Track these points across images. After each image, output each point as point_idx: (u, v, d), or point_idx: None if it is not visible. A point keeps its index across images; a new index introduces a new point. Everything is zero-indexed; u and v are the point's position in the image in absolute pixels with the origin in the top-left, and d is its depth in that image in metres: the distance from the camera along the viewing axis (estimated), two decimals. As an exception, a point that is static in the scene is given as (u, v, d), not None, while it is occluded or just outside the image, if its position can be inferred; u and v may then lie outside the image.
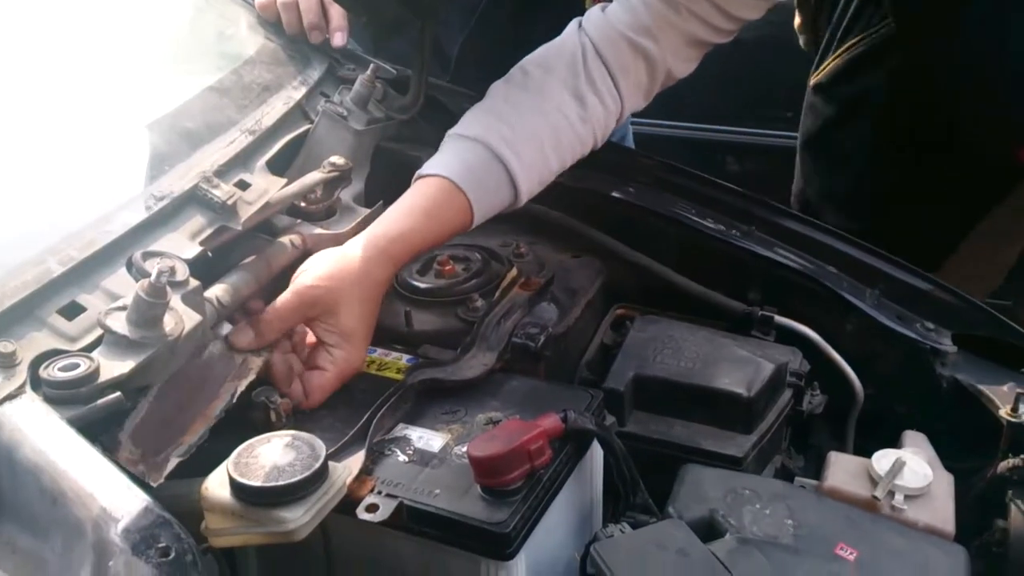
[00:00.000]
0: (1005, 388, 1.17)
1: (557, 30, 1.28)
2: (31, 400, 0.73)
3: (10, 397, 0.72)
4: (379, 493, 0.89)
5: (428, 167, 1.16)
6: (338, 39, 1.43)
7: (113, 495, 0.63)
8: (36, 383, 0.76)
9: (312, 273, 1.03)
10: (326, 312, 1.02)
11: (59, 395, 0.75)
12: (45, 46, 1.13)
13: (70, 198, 0.94)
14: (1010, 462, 1.10)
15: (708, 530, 0.92)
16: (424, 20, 1.32)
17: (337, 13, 1.43)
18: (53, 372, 0.76)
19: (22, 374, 0.75)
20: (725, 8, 1.25)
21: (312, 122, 1.30)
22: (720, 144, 2.81)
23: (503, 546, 0.86)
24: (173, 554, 0.59)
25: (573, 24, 1.27)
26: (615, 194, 1.38)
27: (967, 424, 1.19)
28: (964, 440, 1.17)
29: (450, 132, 1.20)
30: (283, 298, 1.01)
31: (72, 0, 1.25)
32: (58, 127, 1.03)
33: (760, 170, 2.72)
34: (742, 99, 2.71)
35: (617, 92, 1.25)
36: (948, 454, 1.12)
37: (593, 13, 1.27)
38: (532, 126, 1.19)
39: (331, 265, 1.04)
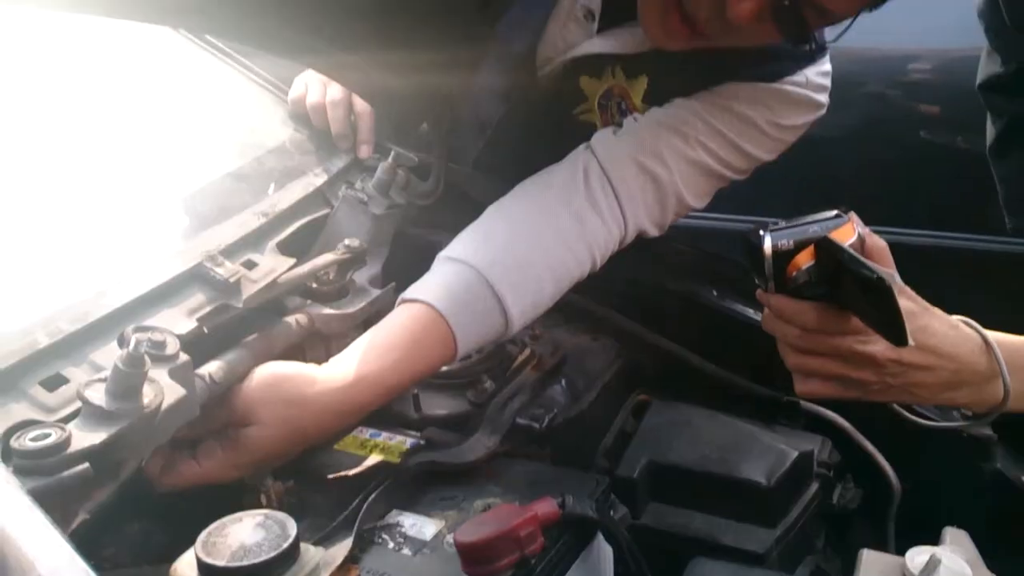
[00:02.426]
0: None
1: (570, 149, 1.28)
2: (-5, 469, 0.72)
3: (-26, 466, 0.71)
4: (363, 581, 0.86)
5: (411, 291, 1.12)
6: (364, 151, 1.42)
7: (54, 561, 0.61)
8: (7, 453, 0.75)
9: (262, 380, 0.99)
10: (241, 420, 0.97)
11: (27, 465, 0.74)
12: (71, 122, 1.16)
13: (71, 273, 0.95)
14: (1062, 562, 1.03)
15: (712, 626, 0.86)
16: (441, 110, 1.33)
17: (365, 125, 1.42)
18: (23, 442, 0.75)
19: (-8, 444, 0.75)
20: (738, 143, 1.26)
21: (332, 207, 1.31)
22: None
23: (487, 641, 0.82)
24: (100, 629, 0.57)
25: (581, 145, 1.27)
26: (636, 277, 1.35)
27: (1013, 519, 1.12)
28: (1010, 537, 1.09)
29: (439, 254, 1.17)
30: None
31: (102, 79, 1.28)
32: (69, 203, 1.05)
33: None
34: (793, 190, 2.68)
35: (621, 212, 1.23)
36: (993, 552, 1.04)
37: (603, 133, 1.27)
38: (524, 246, 1.16)
39: (282, 383, 0.99)
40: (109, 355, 0.88)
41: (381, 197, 1.35)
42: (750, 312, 1.31)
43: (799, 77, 1.26)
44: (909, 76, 2.56)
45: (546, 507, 0.89)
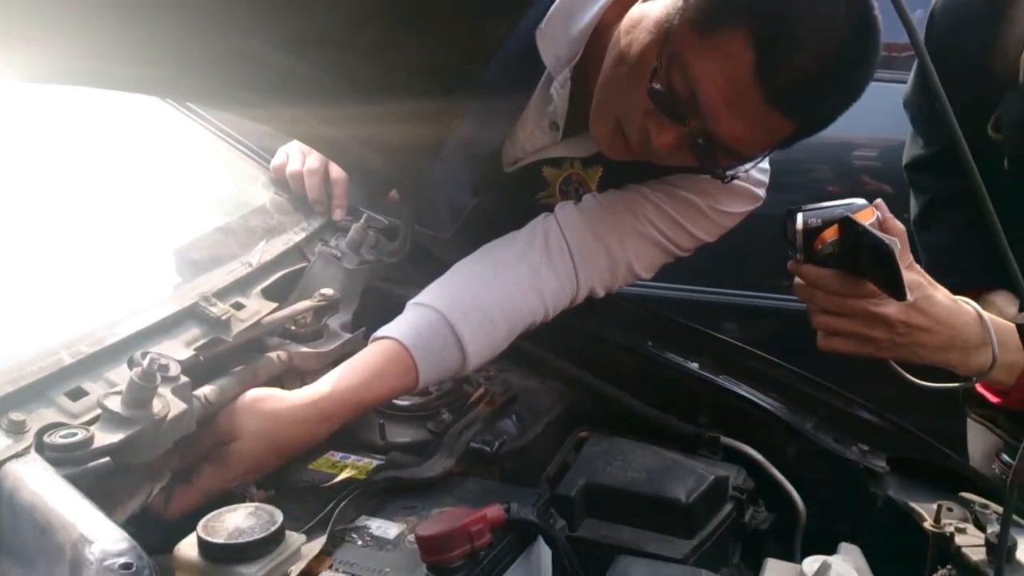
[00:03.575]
0: (934, 505, 1.25)
1: None
2: (33, 459, 0.86)
3: (16, 455, 0.86)
4: (335, 570, 0.99)
5: (381, 331, 1.29)
6: (338, 214, 1.60)
7: (89, 524, 0.75)
8: (40, 448, 0.90)
9: (241, 402, 1.14)
10: (225, 437, 1.12)
11: (58, 457, 0.88)
12: (87, 183, 1.33)
13: (88, 304, 1.11)
14: (939, 572, 1.19)
15: (632, 612, 1.01)
16: (409, 180, 1.50)
17: (339, 191, 1.60)
18: (55, 438, 0.90)
19: (28, 439, 0.89)
20: (682, 224, 1.43)
21: (308, 261, 1.48)
22: (717, 306, 2.94)
23: (441, 618, 0.96)
24: (134, 568, 0.71)
25: (543, 213, 1.45)
26: (582, 328, 1.52)
27: (901, 539, 1.27)
28: (899, 554, 1.25)
29: (409, 302, 1.34)
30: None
31: (110, 146, 1.47)
32: (88, 247, 1.23)
33: (761, 335, 2.86)
34: (737, 265, 2.84)
35: (575, 272, 1.40)
36: (886, 568, 1.20)
37: (565, 204, 1.45)
38: (483, 293, 1.33)
39: (258, 403, 1.15)
40: (120, 374, 1.03)
41: (353, 254, 1.52)
42: (680, 361, 1.49)
43: (740, 172, 1.41)
44: (852, 162, 2.80)
45: (494, 511, 1.03)
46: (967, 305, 1.24)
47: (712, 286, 2.92)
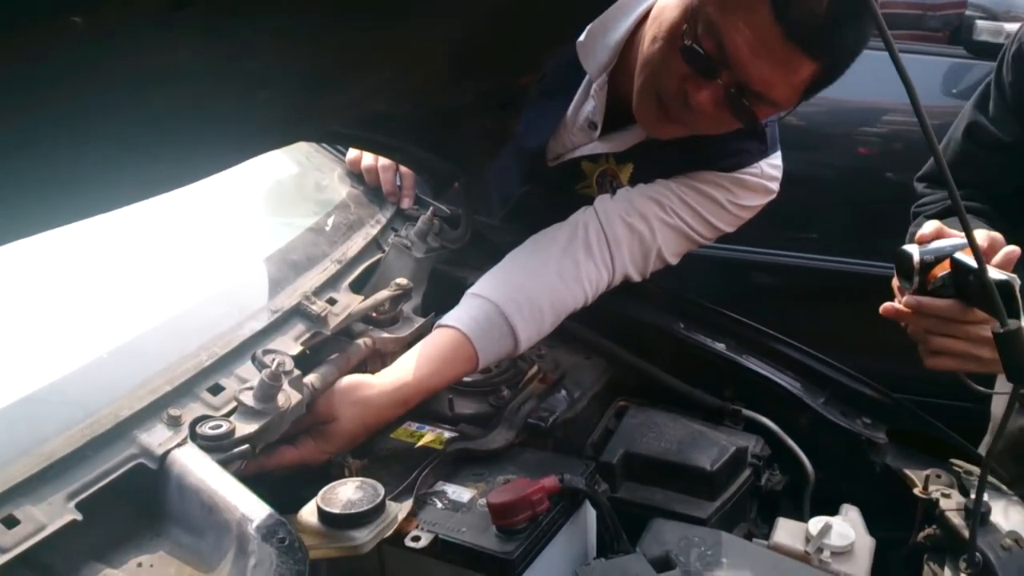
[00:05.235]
0: (925, 472, 1.46)
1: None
2: (191, 448, 1.10)
3: (178, 445, 1.09)
4: (421, 529, 1.23)
5: (446, 319, 1.49)
6: (406, 203, 1.81)
7: (249, 506, 0.99)
8: (193, 437, 1.13)
9: (338, 389, 1.36)
10: (325, 418, 1.34)
11: (208, 445, 1.12)
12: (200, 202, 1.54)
13: (216, 310, 1.33)
14: (925, 531, 1.40)
15: (663, 565, 1.23)
16: (469, 175, 1.70)
17: (408, 184, 1.80)
18: (205, 430, 1.13)
19: (185, 431, 1.12)
20: (704, 216, 1.62)
21: (384, 251, 1.69)
22: (749, 263, 3.12)
23: (510, 570, 1.19)
24: (287, 542, 0.94)
25: (584, 206, 1.64)
26: (621, 311, 1.72)
27: (895, 501, 1.48)
28: (894, 514, 1.46)
29: (468, 291, 1.54)
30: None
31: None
32: (208, 262, 1.44)
33: (781, 286, 3.07)
34: (772, 222, 3.01)
35: (611, 259, 1.60)
36: (882, 526, 1.41)
37: (603, 197, 1.64)
38: (532, 287, 1.53)
39: (352, 390, 1.36)
40: (247, 370, 1.26)
41: (421, 242, 1.72)
42: (708, 341, 1.69)
43: (755, 168, 1.60)
44: (880, 126, 2.94)
45: (550, 481, 1.26)
46: None
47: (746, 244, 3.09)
